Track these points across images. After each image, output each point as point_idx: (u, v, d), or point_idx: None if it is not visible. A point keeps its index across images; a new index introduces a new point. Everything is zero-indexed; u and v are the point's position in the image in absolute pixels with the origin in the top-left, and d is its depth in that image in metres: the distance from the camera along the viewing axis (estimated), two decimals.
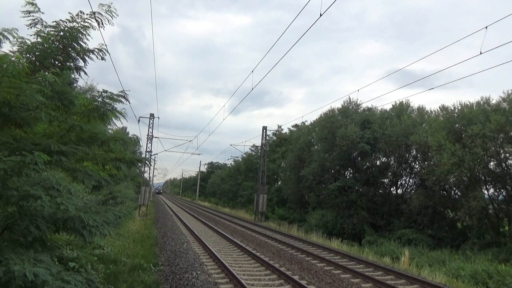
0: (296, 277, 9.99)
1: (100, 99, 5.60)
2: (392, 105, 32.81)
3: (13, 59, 4.80)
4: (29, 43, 5.32)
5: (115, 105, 5.75)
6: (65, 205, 4.29)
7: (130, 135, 38.68)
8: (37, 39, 5.41)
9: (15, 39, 5.22)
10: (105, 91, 5.65)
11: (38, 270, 4.09)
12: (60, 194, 4.53)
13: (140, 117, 35.46)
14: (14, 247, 4.86)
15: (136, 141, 49.62)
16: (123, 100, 5.71)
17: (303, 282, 9.46)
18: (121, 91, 5.70)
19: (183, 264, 11.01)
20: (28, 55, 5.36)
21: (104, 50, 5.79)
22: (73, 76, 6.44)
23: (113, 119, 5.99)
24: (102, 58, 5.79)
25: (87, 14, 5.67)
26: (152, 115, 36.19)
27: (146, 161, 6.96)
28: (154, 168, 61.20)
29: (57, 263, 6.63)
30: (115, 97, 5.63)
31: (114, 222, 5.74)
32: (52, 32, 5.41)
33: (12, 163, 3.79)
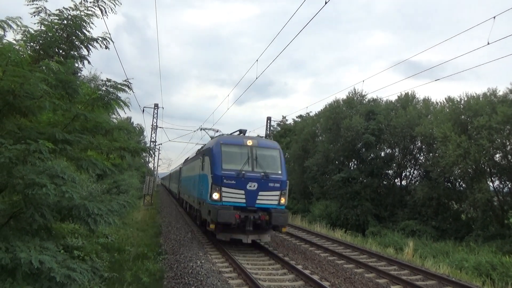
0: (299, 267, 10.04)
1: (104, 88, 5.58)
2: (398, 96, 32.61)
3: (16, 47, 4.79)
4: (32, 31, 5.30)
5: (119, 94, 5.73)
6: (69, 193, 4.32)
7: (134, 125, 38.74)
8: (40, 27, 5.39)
9: (19, 28, 5.20)
10: (109, 80, 5.63)
11: (44, 257, 4.13)
12: (65, 182, 4.55)
13: (145, 107, 35.48)
14: (20, 235, 4.91)
15: (140, 131, 49.61)
16: (126, 89, 5.69)
17: (307, 272, 9.50)
18: (125, 80, 5.69)
19: (187, 253, 11.09)
20: (32, 43, 5.34)
21: (108, 39, 5.75)
22: (77, 66, 6.42)
23: (117, 108, 5.97)
24: (106, 47, 5.76)
25: (90, 2, 5.63)
26: (156, 105, 36.23)
27: (150, 150, 6.95)
28: (158, 158, 61.24)
29: (62, 251, 6.71)
30: (119, 86, 5.61)
31: (118, 211, 5.79)
32: (56, 21, 5.37)
33: (17, 151, 3.79)
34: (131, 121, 44.40)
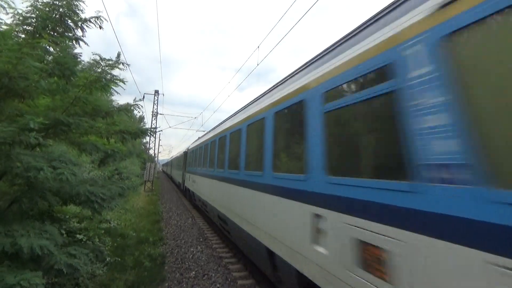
0: None
1: (99, 70, 5.54)
2: None
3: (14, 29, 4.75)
4: (23, 14, 5.22)
5: (114, 73, 5.70)
6: (65, 175, 4.30)
7: (134, 112, 38.78)
8: (32, 9, 5.31)
9: (13, 10, 5.11)
10: (102, 59, 5.60)
11: (43, 242, 4.15)
12: (65, 166, 4.56)
13: (145, 93, 35.45)
14: (21, 220, 4.94)
15: (141, 118, 49.76)
16: (121, 66, 5.65)
17: None
18: (118, 57, 5.66)
19: (188, 238, 11.20)
20: (25, 26, 5.27)
21: (102, 18, 5.65)
22: (76, 52, 6.36)
23: (114, 88, 5.92)
24: (100, 27, 5.66)
25: None
26: (157, 92, 36.10)
27: (150, 132, 6.93)
28: (159, 145, 60.68)
29: (65, 235, 6.77)
30: (113, 64, 5.59)
31: (122, 194, 5.83)
32: (47, 1, 5.28)
33: (10, 131, 3.77)
34: (131, 108, 44.37)
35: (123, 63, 5.67)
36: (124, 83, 5.84)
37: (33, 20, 5.11)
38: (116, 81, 5.67)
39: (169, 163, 54.36)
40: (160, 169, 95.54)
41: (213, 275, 7.73)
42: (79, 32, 5.61)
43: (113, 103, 6.63)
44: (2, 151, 4.08)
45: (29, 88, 4.40)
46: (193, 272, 7.86)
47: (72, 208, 7.86)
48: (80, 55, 5.65)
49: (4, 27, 4.89)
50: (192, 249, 9.70)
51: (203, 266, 8.33)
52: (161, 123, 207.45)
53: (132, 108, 6.45)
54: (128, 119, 6.43)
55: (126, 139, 6.13)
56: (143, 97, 35.16)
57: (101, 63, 5.56)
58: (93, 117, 5.73)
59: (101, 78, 5.46)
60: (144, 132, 6.57)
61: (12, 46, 4.20)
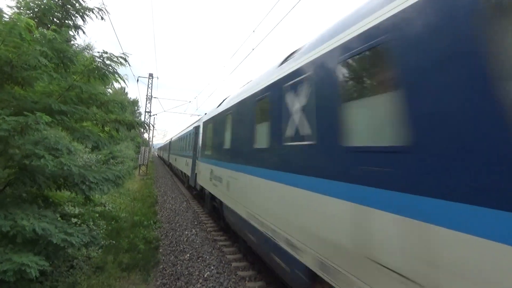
0: None
1: (100, 60, 5.53)
2: None
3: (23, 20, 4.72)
4: None
5: (116, 68, 5.70)
6: (68, 166, 4.39)
7: (128, 95, 38.42)
8: None
9: None
10: (105, 52, 5.58)
11: (45, 225, 4.25)
12: (61, 154, 4.62)
13: (139, 77, 35.18)
14: (17, 203, 5.01)
15: (135, 102, 49.38)
16: (123, 62, 5.64)
17: None
18: (123, 53, 5.64)
19: (182, 221, 11.35)
20: (27, 11, 5.24)
21: (104, 10, 5.63)
22: (71, 34, 6.32)
23: (113, 81, 5.92)
24: (102, 18, 5.65)
25: None
26: (151, 75, 35.77)
27: (145, 125, 6.97)
28: (154, 129, 60.16)
29: (59, 219, 6.86)
30: (115, 59, 5.57)
31: (114, 181, 5.90)
32: None
33: (15, 123, 3.81)
34: (126, 91, 43.98)
35: (125, 59, 5.67)
36: (125, 81, 5.86)
37: (35, 5, 5.08)
38: (118, 76, 5.69)
39: (173, 144, 33.06)
40: (156, 154, 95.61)
41: (207, 257, 7.90)
42: (79, 21, 5.58)
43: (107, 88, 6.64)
44: (2, 139, 4.13)
45: (29, 77, 4.41)
46: (188, 255, 8.03)
47: (66, 192, 7.93)
48: (74, 38, 5.62)
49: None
50: (186, 232, 9.85)
51: (197, 248, 8.49)
52: (155, 106, 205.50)
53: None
54: (121, 109, 6.44)
55: (120, 130, 6.17)
56: (137, 80, 34.86)
57: (103, 54, 5.55)
58: (88, 105, 5.75)
59: (101, 68, 5.46)
60: (140, 125, 6.61)
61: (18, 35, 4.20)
